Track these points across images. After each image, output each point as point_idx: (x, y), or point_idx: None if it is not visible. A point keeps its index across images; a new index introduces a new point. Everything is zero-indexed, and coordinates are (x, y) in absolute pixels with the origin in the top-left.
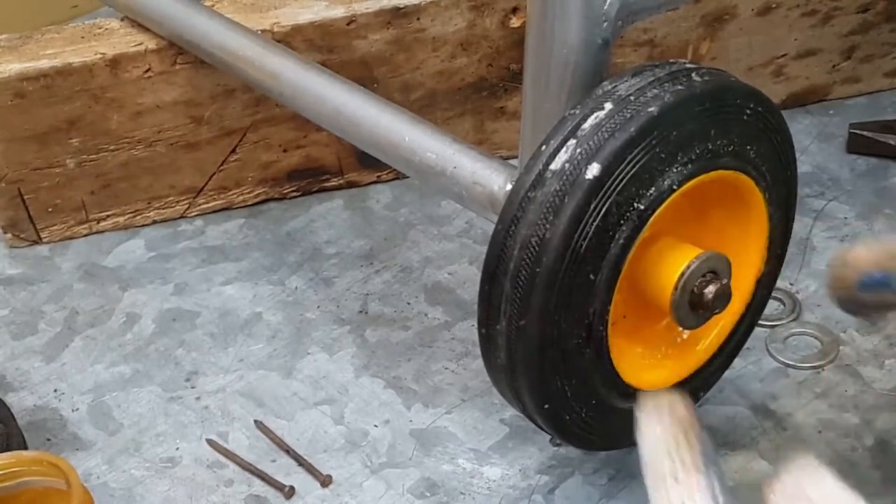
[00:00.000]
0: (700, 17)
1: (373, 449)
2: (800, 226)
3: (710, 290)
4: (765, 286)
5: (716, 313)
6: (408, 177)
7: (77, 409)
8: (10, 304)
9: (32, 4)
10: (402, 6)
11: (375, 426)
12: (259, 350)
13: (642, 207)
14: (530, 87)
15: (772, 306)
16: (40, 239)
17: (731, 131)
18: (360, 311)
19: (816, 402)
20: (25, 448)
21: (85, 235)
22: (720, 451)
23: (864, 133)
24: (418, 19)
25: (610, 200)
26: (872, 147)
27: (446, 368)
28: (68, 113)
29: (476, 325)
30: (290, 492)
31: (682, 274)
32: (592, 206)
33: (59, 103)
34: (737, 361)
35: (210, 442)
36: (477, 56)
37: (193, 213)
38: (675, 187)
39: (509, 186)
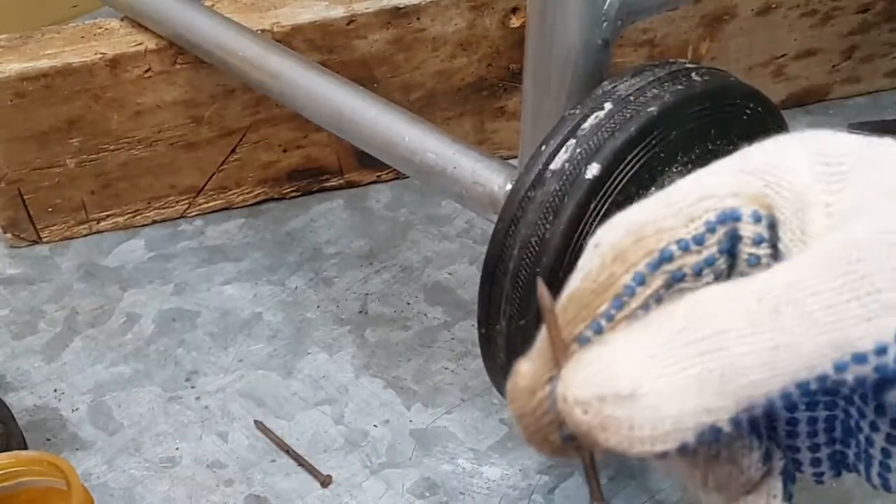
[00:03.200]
0: (700, 17)
1: (373, 449)
2: None
3: None
4: None
5: None
6: (408, 177)
7: (77, 409)
8: (10, 303)
9: (32, 4)
10: (402, 6)
11: (375, 426)
12: (259, 350)
13: None
14: (530, 87)
15: None
16: (40, 239)
17: (731, 131)
18: (360, 311)
19: None
20: (25, 448)
21: (85, 235)
22: None
23: (864, 133)
24: (418, 19)
25: (610, 200)
26: None
27: (446, 368)
28: (68, 113)
29: (476, 325)
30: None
31: None
32: (592, 206)
33: (60, 103)
34: None
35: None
36: (477, 56)
37: (193, 213)
38: None
39: (509, 186)
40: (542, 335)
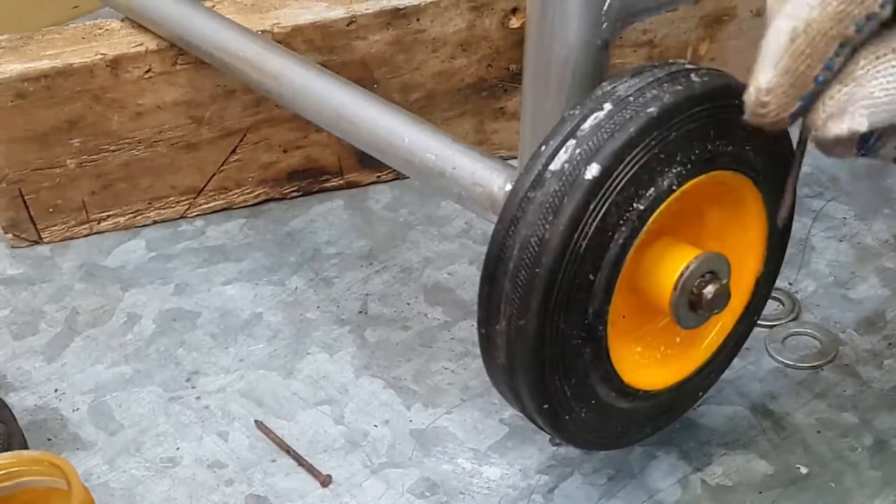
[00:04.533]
0: (699, 17)
1: (373, 449)
2: (799, 226)
3: (710, 290)
4: (764, 286)
5: (715, 313)
6: (408, 177)
7: (78, 409)
8: (10, 304)
9: (33, 5)
10: (401, 7)
11: (375, 426)
12: (259, 350)
13: (641, 208)
14: (530, 87)
15: (771, 306)
16: (41, 239)
17: (730, 132)
18: (360, 312)
19: (815, 401)
20: (26, 448)
21: (85, 235)
22: (720, 451)
23: None
24: (418, 20)
25: (609, 201)
26: None
27: (446, 368)
28: (69, 113)
29: (476, 325)
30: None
31: (682, 274)
32: (592, 207)
33: (60, 104)
34: (736, 362)
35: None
36: (477, 56)
37: (194, 214)
38: (674, 188)
39: (509, 187)
40: (783, 60)
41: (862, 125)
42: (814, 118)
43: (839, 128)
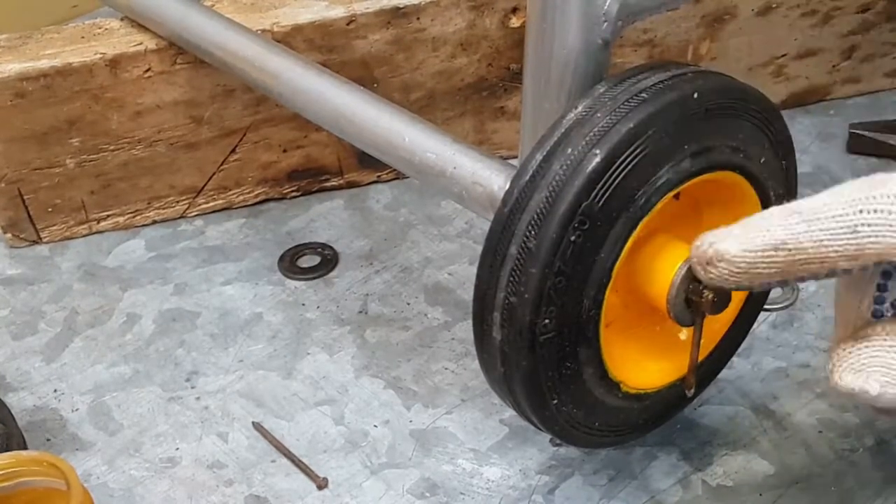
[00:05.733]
0: (700, 17)
1: (373, 449)
2: None
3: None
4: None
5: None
6: (408, 177)
7: (77, 410)
8: (10, 304)
9: (32, 4)
10: (402, 6)
11: (375, 426)
12: (259, 350)
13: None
14: (530, 87)
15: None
16: (40, 239)
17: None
18: (360, 312)
19: (817, 401)
20: (25, 448)
21: (85, 235)
22: (721, 451)
23: (865, 133)
24: (418, 19)
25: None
26: (873, 147)
27: (446, 369)
28: (68, 113)
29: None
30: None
31: (678, 272)
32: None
33: (59, 103)
34: (737, 362)
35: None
36: (477, 56)
37: (193, 213)
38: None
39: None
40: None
41: (874, 389)
42: (831, 366)
43: (854, 384)
